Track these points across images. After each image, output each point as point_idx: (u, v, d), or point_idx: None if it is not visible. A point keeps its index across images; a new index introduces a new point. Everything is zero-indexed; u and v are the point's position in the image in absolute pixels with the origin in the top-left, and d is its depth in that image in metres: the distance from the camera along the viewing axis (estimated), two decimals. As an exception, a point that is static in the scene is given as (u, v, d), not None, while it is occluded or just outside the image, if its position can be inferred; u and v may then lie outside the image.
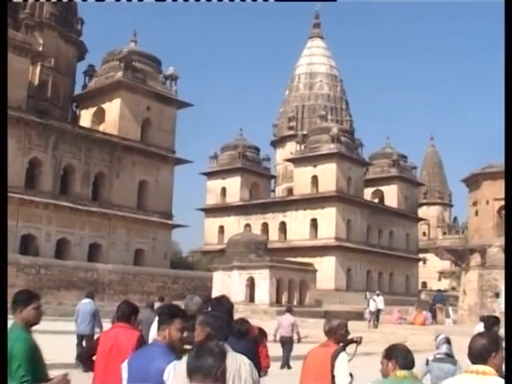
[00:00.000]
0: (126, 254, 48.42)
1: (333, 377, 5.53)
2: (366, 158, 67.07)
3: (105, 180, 48.83)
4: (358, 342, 6.19)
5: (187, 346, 4.60)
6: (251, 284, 38.68)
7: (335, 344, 5.80)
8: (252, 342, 6.30)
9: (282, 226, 62.81)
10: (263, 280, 37.93)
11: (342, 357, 5.63)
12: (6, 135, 5.99)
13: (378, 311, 32.90)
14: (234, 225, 64.71)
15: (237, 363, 4.16)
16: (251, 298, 38.20)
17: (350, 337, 6.09)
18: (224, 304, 6.13)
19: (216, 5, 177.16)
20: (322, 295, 44.72)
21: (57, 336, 21.59)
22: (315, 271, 42.73)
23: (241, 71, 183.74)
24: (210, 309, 6.17)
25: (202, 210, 71.02)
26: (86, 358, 6.29)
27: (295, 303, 37.94)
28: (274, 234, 62.61)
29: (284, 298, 38.47)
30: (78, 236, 46.02)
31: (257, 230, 61.18)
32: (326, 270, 54.05)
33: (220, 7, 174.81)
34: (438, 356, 8.49)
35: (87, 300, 16.73)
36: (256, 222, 64.32)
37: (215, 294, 37.67)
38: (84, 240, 46.47)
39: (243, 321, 6.51)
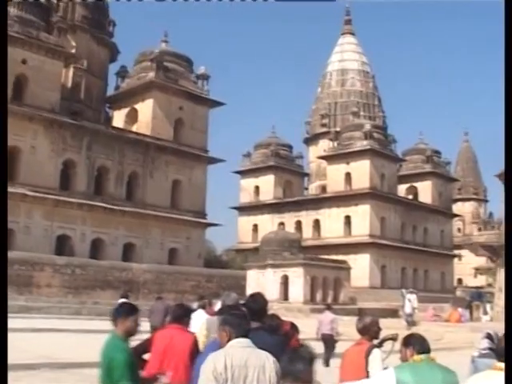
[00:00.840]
0: (160, 254, 48.63)
1: (368, 373, 5.59)
2: (399, 154, 66.67)
3: (138, 180, 49.07)
4: (394, 339, 6.28)
5: None
6: (285, 282, 38.68)
7: (368, 341, 5.89)
8: (283, 337, 6.26)
9: (316, 224, 62.74)
10: (297, 278, 37.91)
11: (375, 353, 5.72)
12: (6, 135, 6.12)
13: (413, 309, 32.64)
14: (267, 223, 64.78)
15: (261, 360, 4.25)
16: (285, 296, 38.21)
17: (386, 334, 6.16)
18: (258, 301, 6.15)
19: (246, 3, 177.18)
20: (356, 293, 44.57)
21: (92, 335, 21.79)
22: (349, 269, 42.62)
23: (273, 68, 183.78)
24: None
25: (236, 208, 71.20)
26: (137, 356, 6.34)
27: (329, 301, 37.76)
28: (307, 232, 62.58)
29: (318, 296, 38.41)
30: (112, 236, 46.33)
31: (290, 227, 61.18)
32: (361, 268, 53.94)
33: (250, 6, 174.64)
34: (483, 352, 8.46)
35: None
36: (290, 219, 64.32)
37: (249, 292, 37.77)
38: (118, 240, 46.77)
39: (274, 316, 6.54)
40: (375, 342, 5.98)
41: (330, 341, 17.25)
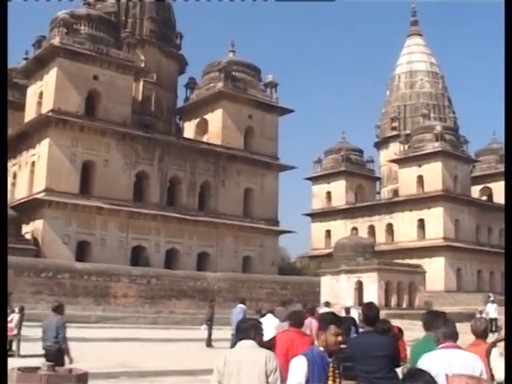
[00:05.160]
0: (234, 262, 48.89)
1: (491, 370, 6.15)
2: (472, 155, 65.62)
3: (210, 189, 49.48)
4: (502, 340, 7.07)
5: (343, 346, 5.77)
6: (359, 287, 38.44)
7: (485, 343, 6.57)
8: (393, 338, 7.87)
9: (389, 228, 62.23)
10: (371, 283, 37.63)
11: (495, 352, 6.36)
12: (6, 139, 6.46)
13: (495, 320, 31.33)
14: (340, 228, 64.54)
15: (254, 357, 5.30)
16: (360, 302, 37.94)
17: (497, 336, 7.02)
18: (373, 309, 7.49)
19: (310, 9, 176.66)
20: (431, 297, 44.02)
21: (169, 344, 22.12)
22: (424, 273, 42.10)
23: (340, 74, 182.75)
24: (358, 313, 7.94)
25: (308, 214, 71.13)
26: None
27: (404, 306, 37.54)
28: (380, 237, 62.13)
29: (393, 301, 38.05)
30: (186, 246, 46.82)
31: (363, 232, 60.79)
32: (436, 271, 53.26)
33: (315, 11, 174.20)
34: None
35: (240, 305, 19.58)
36: (362, 224, 63.96)
37: (323, 298, 37.74)
38: (192, 249, 47.22)
39: (385, 321, 8.11)
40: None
41: None
